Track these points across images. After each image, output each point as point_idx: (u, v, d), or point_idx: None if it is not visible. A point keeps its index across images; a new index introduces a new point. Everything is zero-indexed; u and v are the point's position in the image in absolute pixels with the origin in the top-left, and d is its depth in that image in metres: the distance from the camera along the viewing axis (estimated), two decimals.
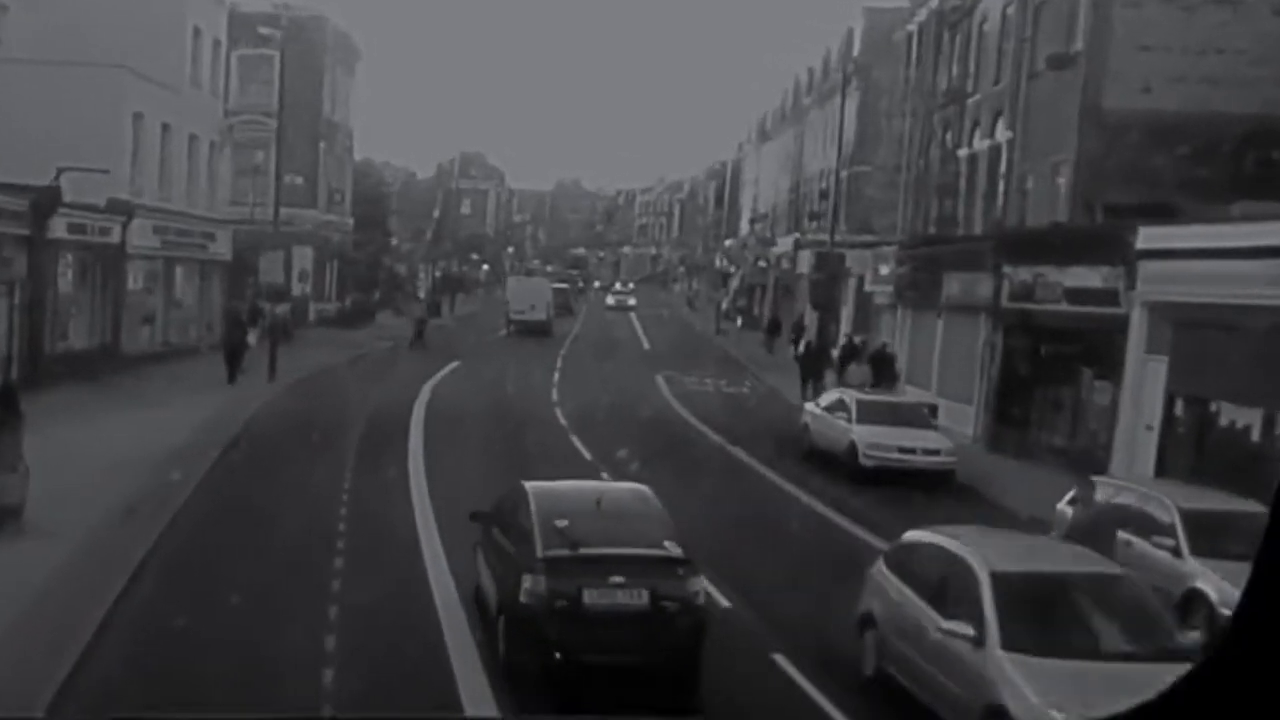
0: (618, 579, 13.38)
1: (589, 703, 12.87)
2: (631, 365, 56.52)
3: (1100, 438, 29.44)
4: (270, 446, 29.57)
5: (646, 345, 69.41)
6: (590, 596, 13.34)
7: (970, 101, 43.34)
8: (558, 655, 13.08)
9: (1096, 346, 30.16)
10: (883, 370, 44.78)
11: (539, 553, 13.58)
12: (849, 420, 30.16)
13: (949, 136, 45.70)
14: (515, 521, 14.54)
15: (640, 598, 13.40)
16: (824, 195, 68.13)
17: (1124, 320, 28.71)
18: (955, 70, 45.20)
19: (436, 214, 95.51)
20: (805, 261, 65.79)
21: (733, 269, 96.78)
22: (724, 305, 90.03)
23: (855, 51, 65.06)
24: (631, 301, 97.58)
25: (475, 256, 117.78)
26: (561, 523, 13.83)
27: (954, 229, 44.22)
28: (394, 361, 53.60)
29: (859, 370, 38.20)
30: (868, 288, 49.80)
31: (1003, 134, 39.82)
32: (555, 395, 42.02)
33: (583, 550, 13.52)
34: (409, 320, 68.26)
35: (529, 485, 15.00)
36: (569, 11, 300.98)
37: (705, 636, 13.66)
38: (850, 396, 31.39)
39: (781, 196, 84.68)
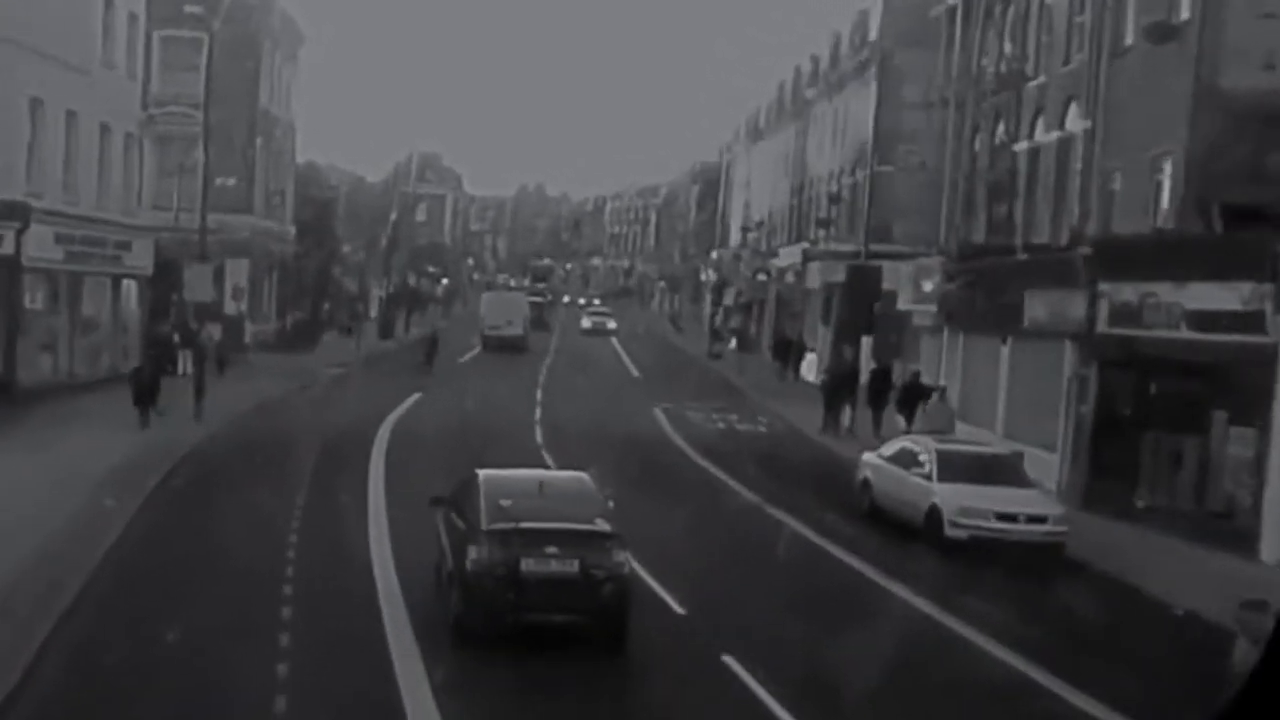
0: (552, 550, 16.70)
1: (528, 655, 16.05)
2: (622, 396, 52.88)
3: (1241, 500, 25.03)
4: (179, 540, 22.75)
5: (634, 371, 65.72)
6: (527, 565, 16.60)
7: (1031, 86, 39.09)
8: (499, 614, 16.49)
9: (1232, 383, 25.79)
10: (922, 405, 40.82)
11: (483, 526, 16.86)
12: (927, 477, 25.75)
13: (1002, 128, 41.40)
14: (467, 502, 17.77)
15: (571, 566, 16.66)
16: (835, 199, 64.21)
17: (1272, 351, 24.34)
18: (1010, 49, 40.86)
19: (393, 218, 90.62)
20: (816, 275, 61.67)
21: (724, 283, 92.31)
22: (717, 324, 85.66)
23: (872, 34, 60.74)
24: (612, 325, 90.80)
25: (431, 269, 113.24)
26: (505, 501, 17.21)
27: (1009, 237, 39.87)
28: (345, 392, 49.71)
29: (939, 411, 33.53)
30: (902, 306, 45.44)
31: (1077, 123, 35.56)
32: (539, 436, 37.81)
33: (522, 524, 16.79)
34: (357, 340, 64.78)
35: (481, 471, 18.41)
36: (529, 1, 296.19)
37: (630, 600, 17.06)
38: (927, 447, 26.93)
39: (780, 201, 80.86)
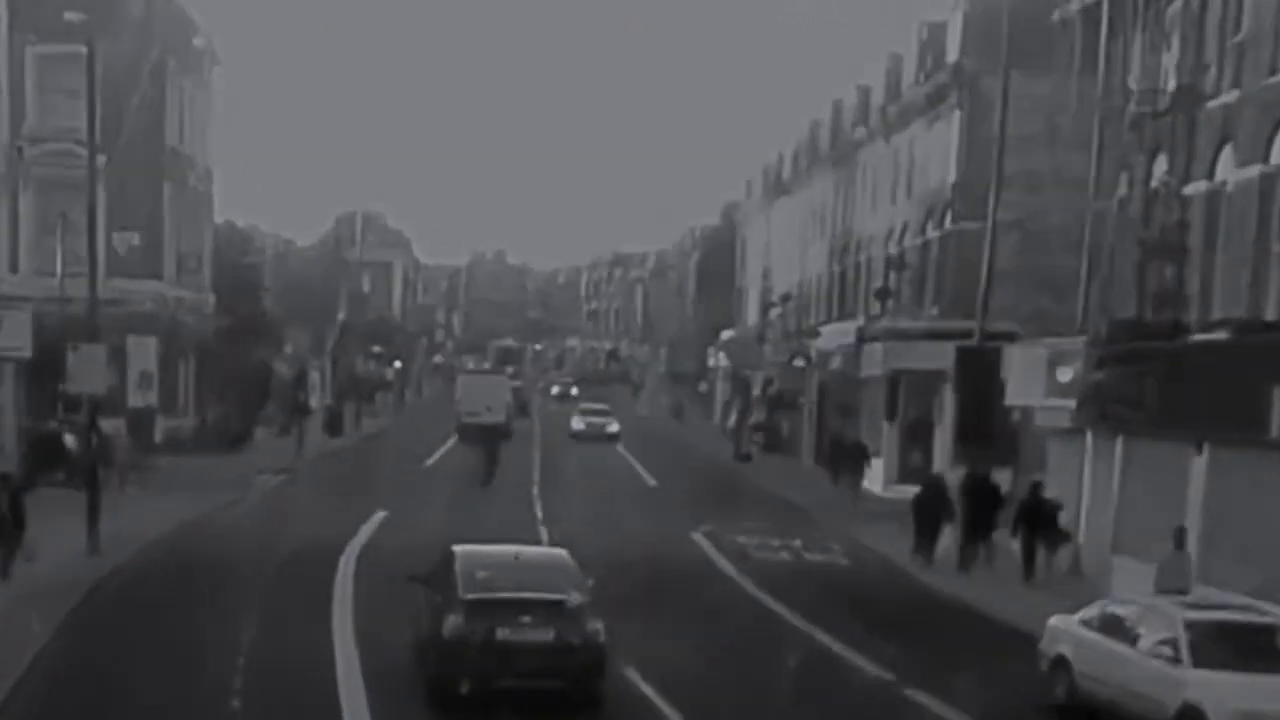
0: (526, 619, 19.90)
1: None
2: (644, 514, 47.63)
3: None
4: None
5: (649, 478, 60.43)
6: (502, 633, 19.73)
7: (1212, 107, 33.45)
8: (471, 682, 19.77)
9: None
10: (1043, 530, 36.19)
11: (460, 595, 20.07)
12: (1173, 660, 19.75)
13: (1163, 166, 35.84)
14: (444, 576, 20.94)
15: (546, 634, 19.86)
16: (899, 265, 58.99)
17: None
18: (1178, 60, 35.37)
19: (367, 291, 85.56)
20: (876, 359, 56.29)
21: (742, 370, 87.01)
22: (735, 419, 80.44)
23: (951, 54, 55.40)
24: (613, 428, 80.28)
25: (378, 350, 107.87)
26: (482, 573, 20.59)
27: (1179, 310, 34.20)
28: (288, 509, 44.26)
29: (1177, 563, 27.29)
30: (1016, 400, 39.74)
31: None
32: None
33: (498, 594, 20.09)
34: (298, 439, 61.21)
35: (456, 547, 21.78)
36: (478, 35, 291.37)
37: (604, 667, 20.39)
38: (1167, 614, 20.92)
39: (815, 269, 76.49)
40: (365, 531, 39.01)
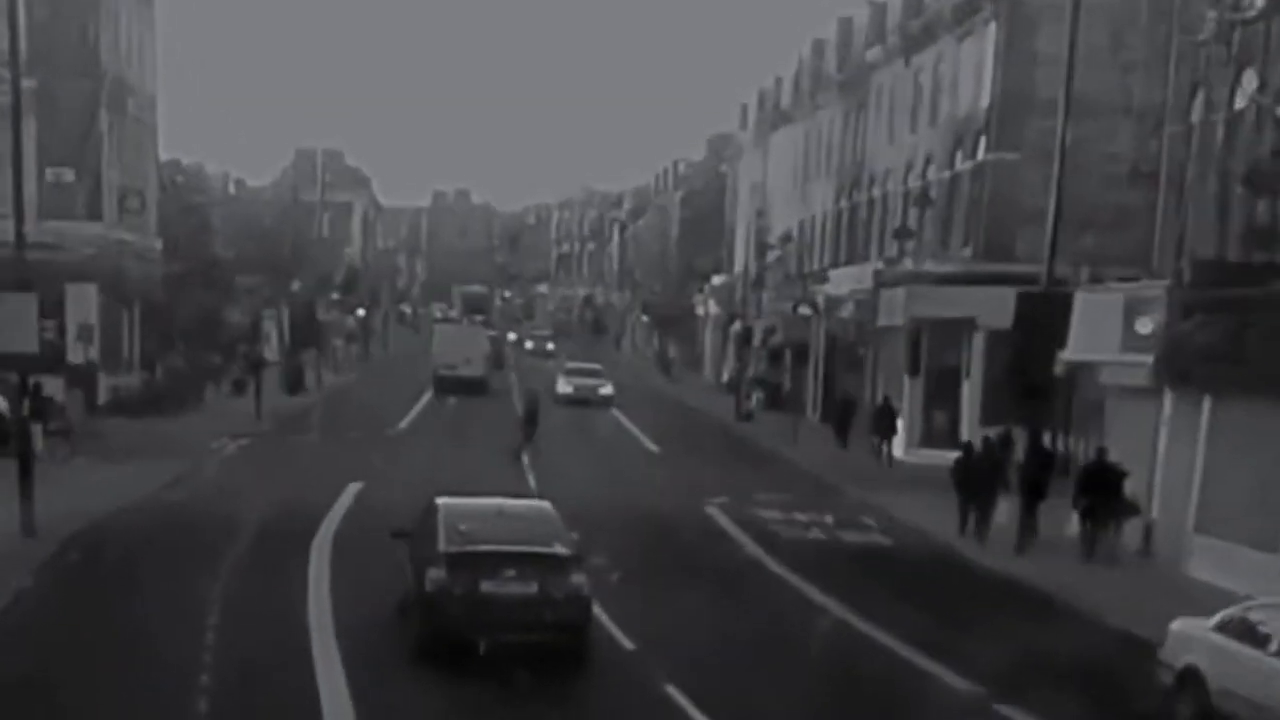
0: (510, 572, 20.47)
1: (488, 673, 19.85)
2: (650, 486, 44.69)
3: None
4: None
5: (648, 442, 57.68)
6: (486, 586, 20.31)
7: None
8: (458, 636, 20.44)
9: None
10: (1107, 502, 33.65)
11: (442, 548, 20.59)
12: None
13: (1250, 82, 33.09)
14: (427, 530, 21.45)
15: (530, 587, 20.48)
16: (922, 201, 56.45)
17: None
18: None
19: (325, 234, 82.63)
20: (898, 307, 53.78)
21: (735, 319, 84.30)
22: (733, 375, 79.56)
23: None
24: (606, 390, 73.16)
25: (337, 297, 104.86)
26: (464, 526, 21.05)
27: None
28: (247, 481, 41.08)
29: None
30: (1077, 355, 36.95)
31: None
32: None
33: (480, 547, 20.59)
34: (255, 397, 58.35)
35: (439, 500, 22.22)
36: None
37: (589, 620, 21.13)
38: None
39: (820, 208, 74.06)
40: (339, 509, 36.09)
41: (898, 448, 51.83)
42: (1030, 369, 35.49)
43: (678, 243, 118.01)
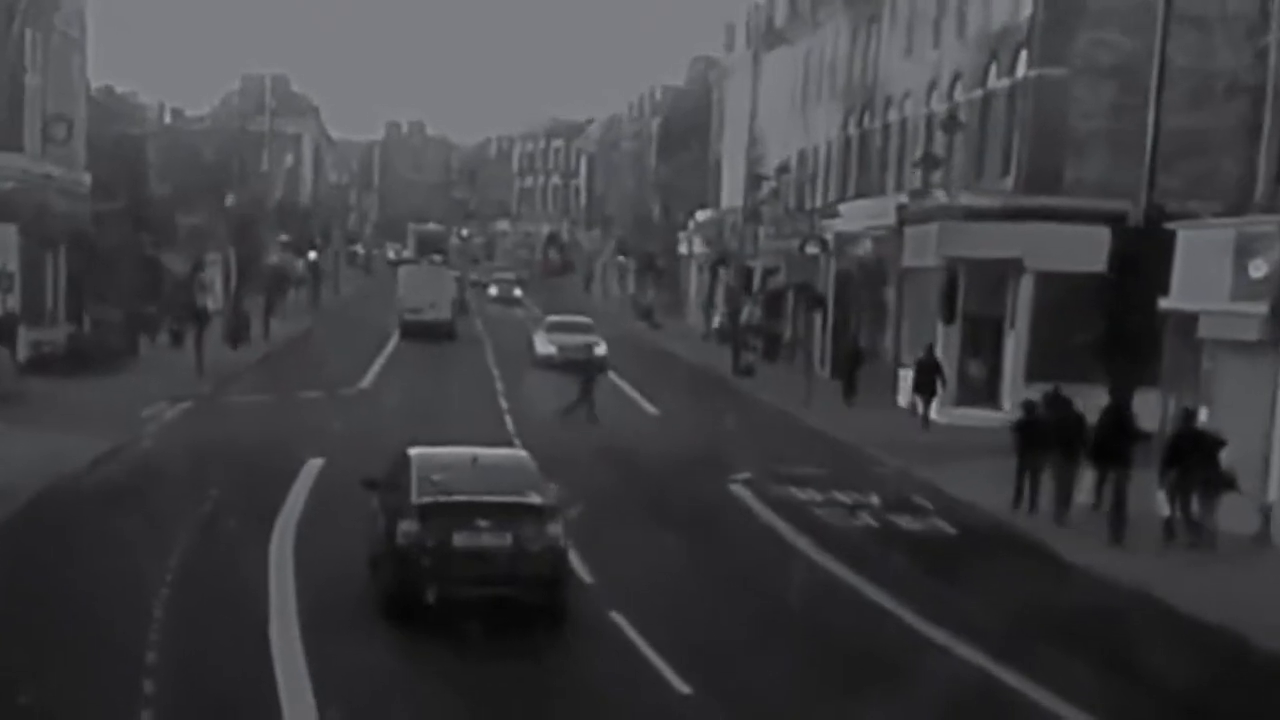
0: (484, 523, 20.86)
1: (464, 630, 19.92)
2: (660, 458, 40.72)
3: None
4: None
5: (646, 404, 53.87)
6: (459, 538, 20.69)
7: None
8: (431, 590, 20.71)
9: None
10: (1200, 473, 29.93)
11: (414, 499, 20.97)
12: None
13: None
14: (399, 480, 21.78)
15: (504, 539, 20.83)
16: (949, 126, 52.86)
17: None
18: None
19: (270, 168, 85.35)
20: (929, 245, 50.55)
21: (725, 259, 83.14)
22: (722, 321, 78.15)
23: None
24: (601, 351, 60.13)
25: (285, 238, 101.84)
26: (437, 476, 21.35)
27: None
28: (189, 457, 36.57)
29: None
30: (1183, 302, 33.10)
31: None
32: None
33: (453, 497, 20.98)
34: (197, 351, 55.06)
35: (411, 450, 22.44)
36: None
37: (565, 573, 21.48)
38: None
39: (823, 134, 70.95)
40: (299, 491, 32.22)
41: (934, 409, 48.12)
42: (1127, 318, 31.60)
43: (656, 176, 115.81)
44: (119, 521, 27.66)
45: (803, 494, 34.74)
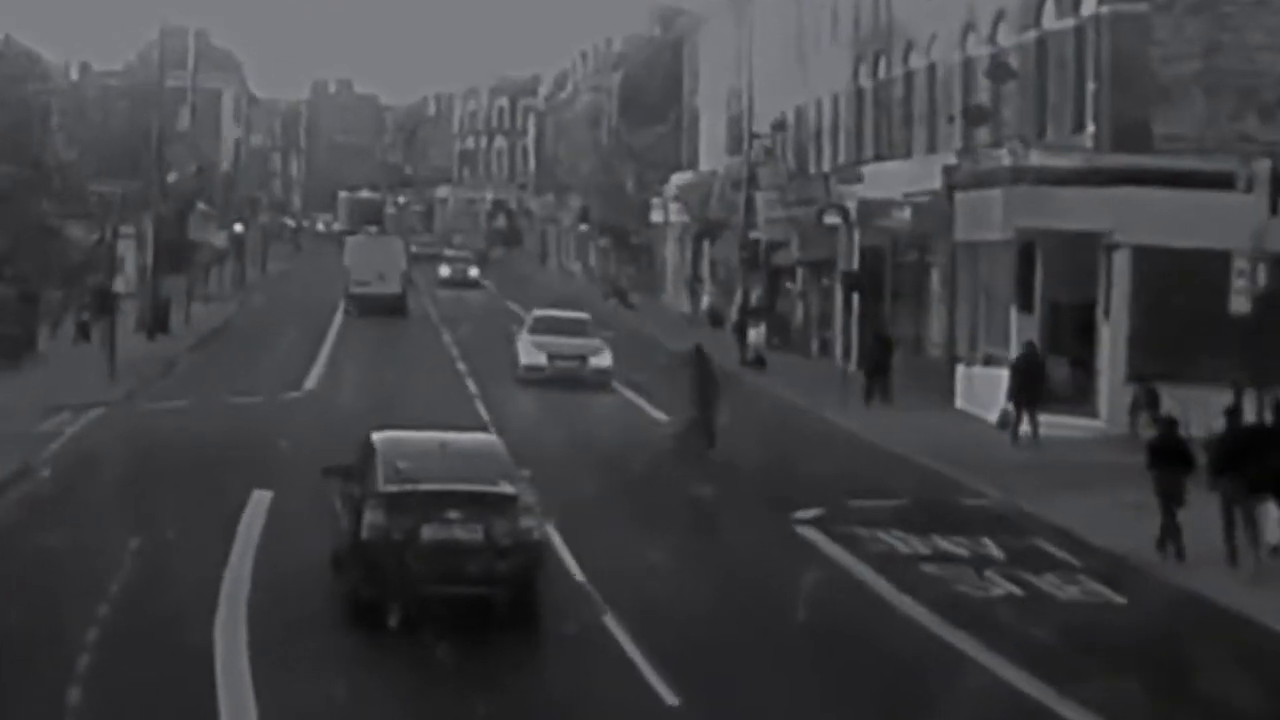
0: (454, 514, 20.44)
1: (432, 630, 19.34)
2: (702, 494, 33.36)
3: None
4: None
5: (652, 410, 46.97)
6: (427, 531, 20.29)
7: None
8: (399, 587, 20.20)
9: None
10: None
11: (379, 488, 20.59)
12: None
13: None
14: (363, 467, 21.49)
15: (475, 532, 20.41)
16: (999, 73, 48.14)
17: None
18: None
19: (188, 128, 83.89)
20: (985, 216, 45.34)
21: (712, 231, 79.34)
22: (712, 303, 75.58)
23: None
24: (603, 360, 51.26)
25: (203, 207, 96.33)
26: (403, 463, 21.02)
27: None
28: (99, 496, 30.33)
29: None
30: None
31: None
32: None
33: (421, 486, 20.66)
34: (106, 345, 48.84)
35: (376, 435, 22.19)
36: None
37: (540, 570, 21.07)
38: None
39: (825, 85, 66.21)
40: (244, 546, 25.76)
41: (991, 412, 42.68)
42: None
43: (616, 134, 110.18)
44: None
45: (898, 541, 28.54)
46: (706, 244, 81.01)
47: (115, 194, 68.98)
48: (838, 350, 58.67)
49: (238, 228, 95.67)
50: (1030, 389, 40.96)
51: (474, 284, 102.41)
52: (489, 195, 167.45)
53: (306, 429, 38.82)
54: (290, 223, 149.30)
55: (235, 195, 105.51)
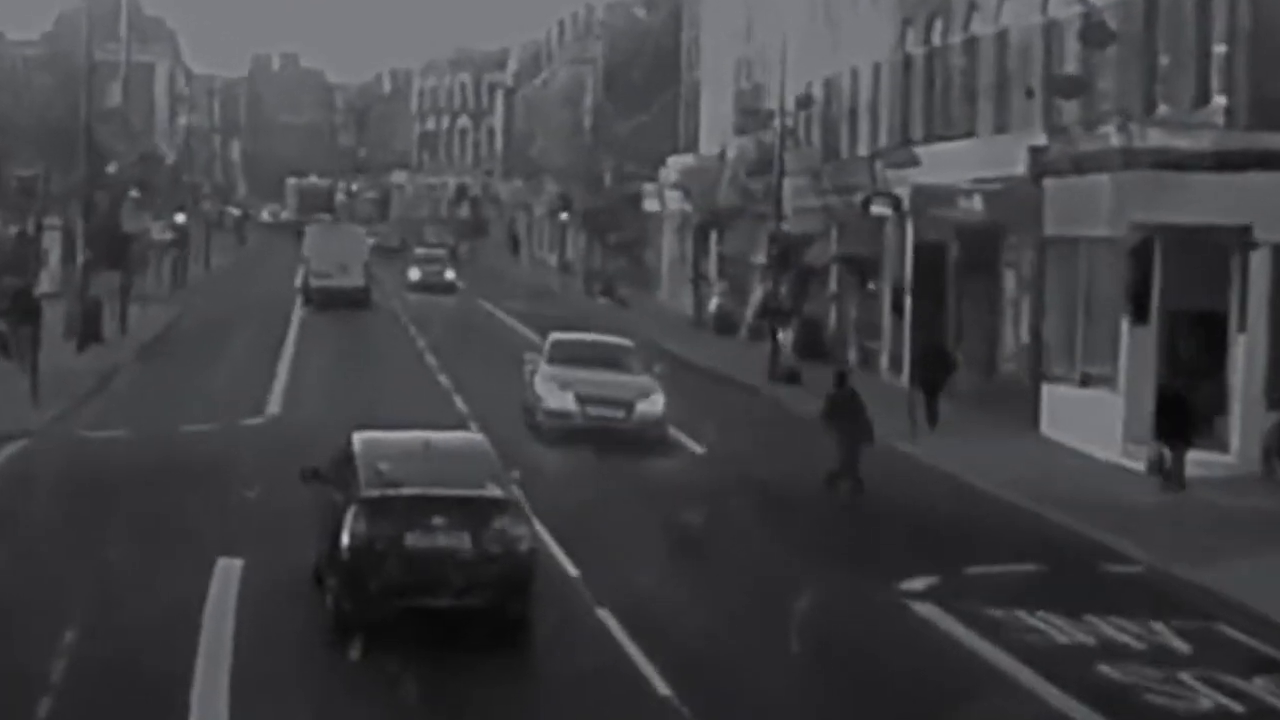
0: (439, 520, 20.98)
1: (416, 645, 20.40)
2: (752, 547, 30.52)
3: None
4: None
5: (683, 436, 42.43)
6: (411, 538, 20.82)
7: None
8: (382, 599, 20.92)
9: None
10: None
11: (360, 493, 21.11)
12: None
13: None
14: (343, 471, 22.16)
15: (462, 539, 20.99)
16: (1097, 36, 44.49)
17: None
18: None
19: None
20: (1088, 207, 42.05)
21: (718, 222, 77.27)
22: (722, 304, 73.17)
23: None
24: (656, 408, 41.39)
25: (135, 194, 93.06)
26: (385, 465, 21.62)
27: None
28: (25, 569, 25.42)
29: None
30: None
31: None
32: None
33: (404, 490, 21.23)
34: (27, 361, 45.20)
35: (357, 435, 22.84)
36: None
37: (532, 580, 21.43)
38: None
39: (859, 55, 63.50)
40: (214, 646, 21.42)
41: (1097, 444, 39.52)
42: None
43: (599, 114, 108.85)
44: None
45: (1049, 626, 24.35)
46: (713, 236, 78.93)
47: (36, 178, 66.81)
48: (883, 363, 55.75)
49: (179, 218, 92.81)
50: (1178, 425, 37.01)
51: (449, 287, 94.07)
52: (451, 181, 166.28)
53: (276, 470, 33.27)
54: (235, 212, 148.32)
55: (173, 181, 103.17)
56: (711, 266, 79.17)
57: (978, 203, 49.29)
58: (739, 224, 73.11)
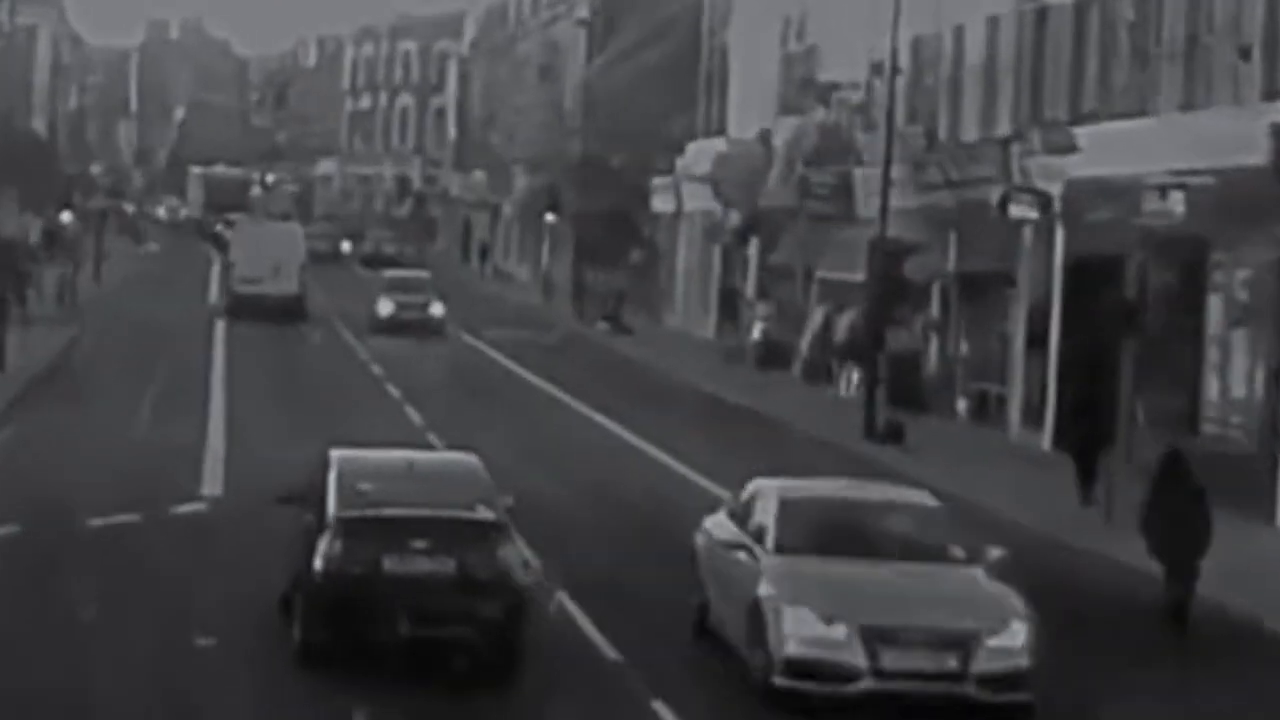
0: (421, 544, 21.96)
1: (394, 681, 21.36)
2: None
3: None
4: None
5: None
6: (390, 563, 21.82)
7: None
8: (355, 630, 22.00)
9: None
10: None
11: (335, 513, 22.15)
12: None
13: None
14: (319, 492, 23.07)
15: (446, 565, 21.92)
16: None
17: None
18: None
19: None
20: None
21: (758, 226, 73.94)
22: (764, 331, 70.03)
23: None
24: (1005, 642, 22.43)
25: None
26: (364, 485, 22.69)
27: None
28: None
29: None
30: None
31: None
32: None
33: (384, 511, 22.27)
34: None
35: (333, 451, 24.03)
36: None
37: (524, 611, 22.26)
38: None
39: (978, 8, 59.30)
40: None
41: None
42: None
43: (585, 91, 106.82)
44: None
45: None
46: (754, 245, 75.00)
47: None
48: (1013, 415, 51.05)
49: (66, 216, 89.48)
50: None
51: (437, 328, 79.20)
52: (388, 172, 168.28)
53: (228, 596, 27.12)
54: (129, 208, 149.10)
55: (57, 170, 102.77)
56: (750, 283, 75.66)
57: (1176, 202, 43.98)
58: (792, 228, 69.22)
